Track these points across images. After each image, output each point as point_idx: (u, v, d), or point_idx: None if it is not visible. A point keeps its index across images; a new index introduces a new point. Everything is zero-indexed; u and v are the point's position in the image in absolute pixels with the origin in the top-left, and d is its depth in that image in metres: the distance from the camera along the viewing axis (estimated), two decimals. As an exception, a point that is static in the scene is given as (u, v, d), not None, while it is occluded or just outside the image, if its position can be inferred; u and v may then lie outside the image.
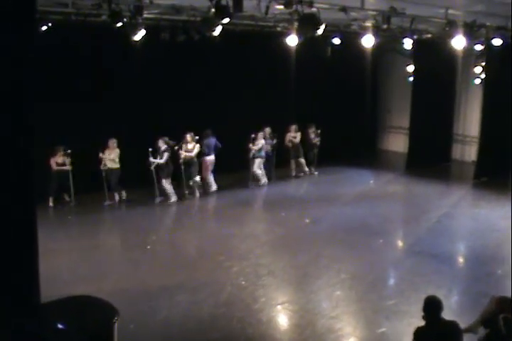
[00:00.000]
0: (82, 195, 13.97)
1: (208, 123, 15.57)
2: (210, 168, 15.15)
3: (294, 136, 17.02)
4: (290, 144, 17.01)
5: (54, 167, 13.51)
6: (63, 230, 12.36)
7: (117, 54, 13.84)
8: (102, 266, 10.41)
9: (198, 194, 14.85)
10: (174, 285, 9.35)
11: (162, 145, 13.96)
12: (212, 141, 15.02)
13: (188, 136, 14.42)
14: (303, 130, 17.34)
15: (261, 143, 15.73)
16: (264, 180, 16.14)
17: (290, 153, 17.18)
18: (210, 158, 15.04)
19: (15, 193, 4.59)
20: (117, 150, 13.96)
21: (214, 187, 15.24)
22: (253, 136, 15.57)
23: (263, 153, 15.92)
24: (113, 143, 13.94)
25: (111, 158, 13.89)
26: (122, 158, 14.08)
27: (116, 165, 13.96)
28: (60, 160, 13.56)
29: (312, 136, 17.52)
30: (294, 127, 17.08)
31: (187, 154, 14.41)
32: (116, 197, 14.22)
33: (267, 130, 16.27)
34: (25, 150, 4.59)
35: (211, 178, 15.20)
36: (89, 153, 13.82)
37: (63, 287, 8.67)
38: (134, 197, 14.46)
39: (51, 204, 13.67)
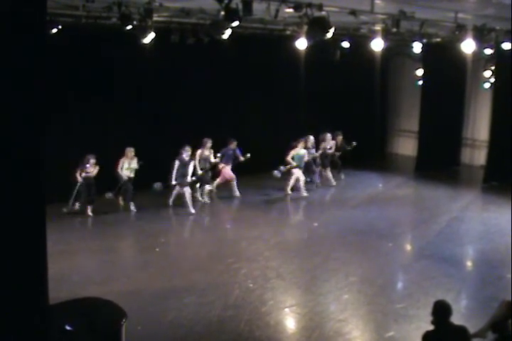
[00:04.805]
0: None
1: (216, 125, 15.63)
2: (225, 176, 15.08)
3: (329, 145, 16.69)
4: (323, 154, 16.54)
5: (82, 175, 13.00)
6: (74, 232, 12.38)
7: (127, 56, 13.86)
8: (110, 268, 10.44)
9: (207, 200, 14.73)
10: (182, 288, 9.35)
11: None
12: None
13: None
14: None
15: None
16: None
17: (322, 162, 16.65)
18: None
19: (24, 193, 4.60)
20: (136, 159, 13.52)
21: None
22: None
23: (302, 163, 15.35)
24: (131, 151, 13.49)
25: (131, 167, 13.47)
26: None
27: (132, 175, 13.54)
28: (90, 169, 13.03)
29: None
30: (328, 136, 16.65)
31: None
32: (132, 207, 13.72)
33: (311, 139, 15.87)
34: (36, 151, 4.61)
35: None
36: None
37: (72, 288, 8.71)
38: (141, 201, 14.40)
39: (91, 213, 13.30)
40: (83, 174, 12.94)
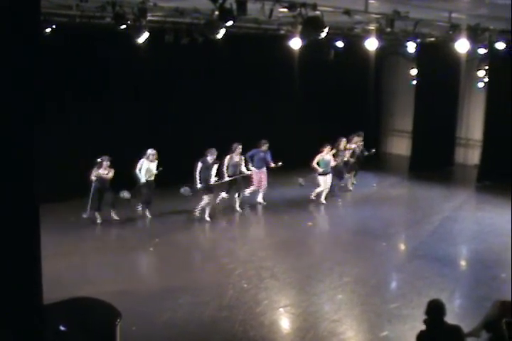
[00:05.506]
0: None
1: (211, 125, 15.60)
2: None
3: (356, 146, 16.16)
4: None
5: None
6: (68, 233, 12.33)
7: (121, 56, 13.83)
8: (105, 268, 10.42)
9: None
10: (177, 288, 9.35)
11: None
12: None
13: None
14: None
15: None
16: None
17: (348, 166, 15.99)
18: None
19: (19, 193, 4.59)
20: (156, 162, 12.94)
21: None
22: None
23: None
24: (153, 154, 12.83)
25: (150, 169, 12.91)
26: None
27: (152, 178, 13.01)
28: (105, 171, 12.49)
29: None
30: (355, 138, 16.07)
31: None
32: (147, 213, 13.35)
33: (343, 141, 15.40)
34: (27, 150, 4.60)
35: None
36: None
37: (66, 289, 8.67)
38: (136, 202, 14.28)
39: (99, 221, 12.83)
40: (94, 173, 12.35)
